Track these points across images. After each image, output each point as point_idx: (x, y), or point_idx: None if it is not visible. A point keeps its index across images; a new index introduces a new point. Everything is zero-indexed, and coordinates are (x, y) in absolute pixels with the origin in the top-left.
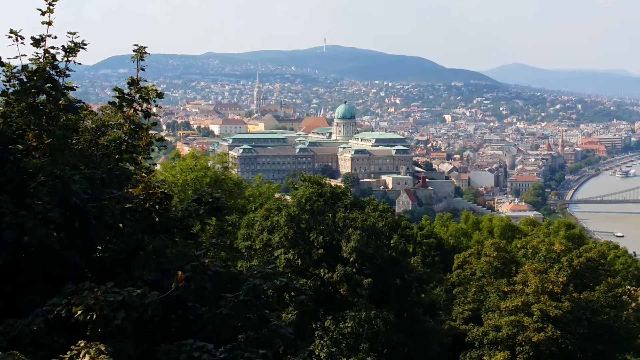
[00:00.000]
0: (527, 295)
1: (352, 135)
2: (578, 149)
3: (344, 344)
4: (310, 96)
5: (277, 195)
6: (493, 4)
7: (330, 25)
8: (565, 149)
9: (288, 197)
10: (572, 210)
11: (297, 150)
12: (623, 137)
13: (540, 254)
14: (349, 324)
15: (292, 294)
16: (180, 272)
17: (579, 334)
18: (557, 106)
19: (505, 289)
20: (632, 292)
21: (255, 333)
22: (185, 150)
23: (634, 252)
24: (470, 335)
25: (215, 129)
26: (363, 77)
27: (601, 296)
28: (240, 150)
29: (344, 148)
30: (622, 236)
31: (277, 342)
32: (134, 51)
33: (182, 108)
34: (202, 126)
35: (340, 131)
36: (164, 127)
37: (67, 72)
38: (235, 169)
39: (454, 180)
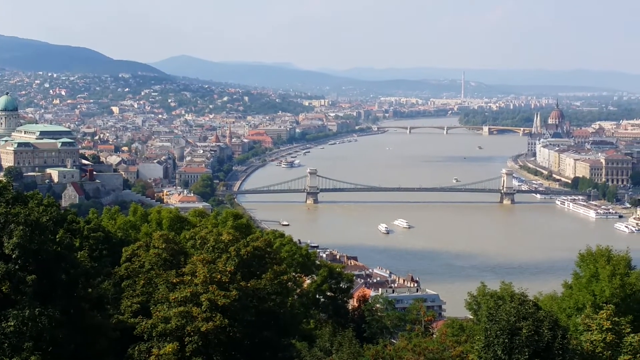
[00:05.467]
0: (196, 285)
1: (15, 127)
2: (245, 140)
3: (6, 344)
4: None
5: None
6: None
7: None
8: (233, 140)
9: None
10: (240, 201)
11: None
12: (288, 129)
13: (208, 245)
14: (12, 323)
15: None
16: None
17: (247, 321)
18: (225, 98)
19: (174, 280)
20: (297, 278)
21: None
22: None
23: (299, 240)
24: (139, 328)
25: None
26: (26, 68)
27: (268, 284)
28: None
29: (6, 141)
30: (288, 224)
31: None
32: None
33: None
34: None
35: (1, 124)
36: None
37: None
38: None
39: (123, 173)
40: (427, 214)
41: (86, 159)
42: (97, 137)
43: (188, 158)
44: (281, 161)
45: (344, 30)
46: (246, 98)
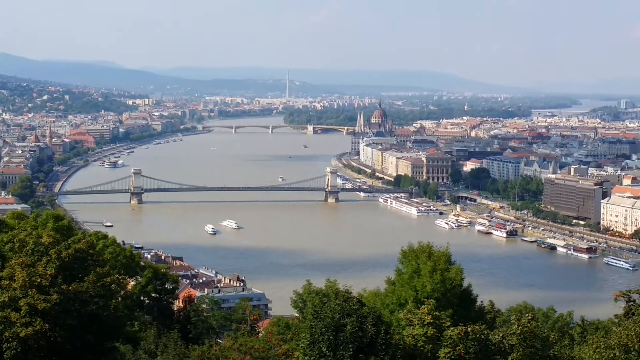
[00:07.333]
0: (15, 290)
1: None
2: (67, 140)
3: None
4: None
5: None
6: None
7: None
8: (53, 140)
9: None
10: (62, 202)
11: None
12: (111, 128)
13: (28, 247)
14: None
15: None
16: None
17: (68, 325)
18: (45, 97)
19: None
20: (121, 280)
21: None
22: None
23: (123, 241)
24: None
25: None
26: None
27: (90, 286)
28: None
29: None
30: (112, 225)
31: None
32: None
33: None
34: None
35: None
36: None
37: None
38: None
39: None
40: (255, 213)
41: None
42: None
43: (6, 159)
44: (104, 161)
45: (164, 29)
46: (67, 97)
